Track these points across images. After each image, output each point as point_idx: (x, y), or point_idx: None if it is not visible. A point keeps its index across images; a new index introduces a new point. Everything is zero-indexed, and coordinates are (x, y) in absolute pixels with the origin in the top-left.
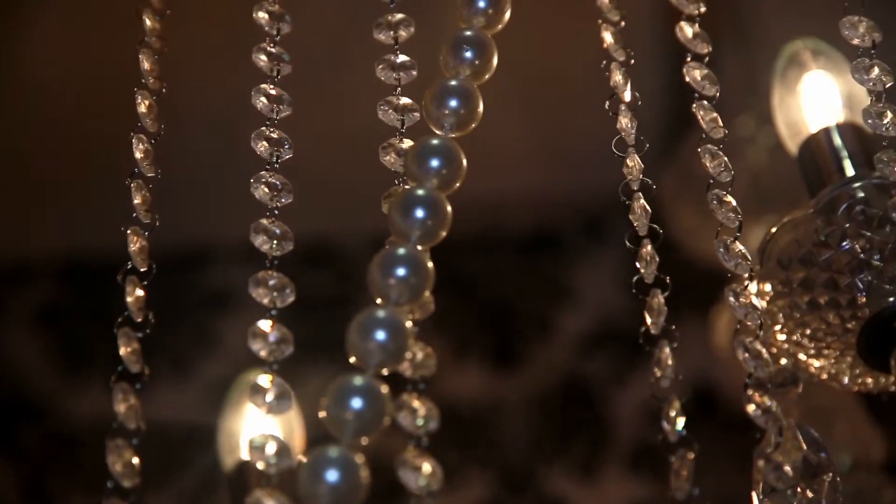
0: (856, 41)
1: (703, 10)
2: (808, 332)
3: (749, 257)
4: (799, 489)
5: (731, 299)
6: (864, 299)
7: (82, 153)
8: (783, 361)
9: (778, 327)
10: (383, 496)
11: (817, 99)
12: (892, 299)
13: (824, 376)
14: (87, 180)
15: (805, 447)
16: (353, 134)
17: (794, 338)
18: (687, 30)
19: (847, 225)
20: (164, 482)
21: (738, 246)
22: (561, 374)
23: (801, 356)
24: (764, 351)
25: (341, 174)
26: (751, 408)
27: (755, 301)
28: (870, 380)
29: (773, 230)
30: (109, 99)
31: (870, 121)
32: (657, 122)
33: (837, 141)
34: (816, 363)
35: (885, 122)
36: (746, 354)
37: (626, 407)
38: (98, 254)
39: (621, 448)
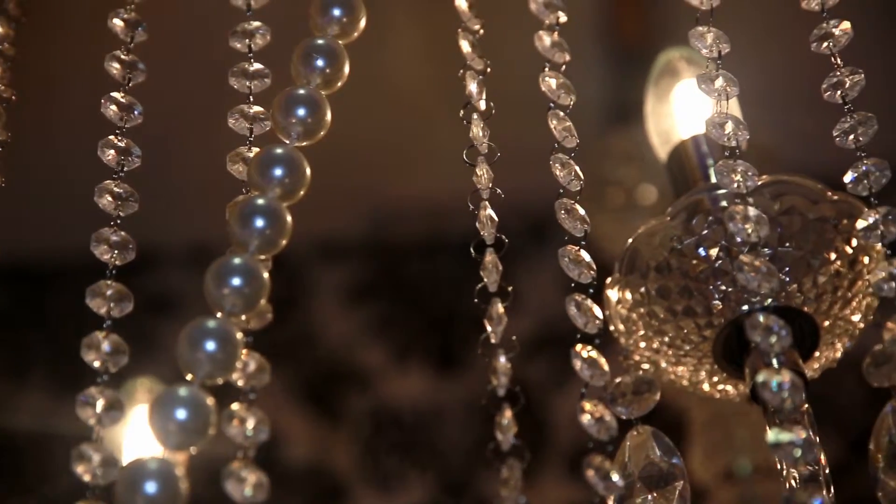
0: (704, 51)
1: (563, 19)
2: (666, 339)
3: (593, 266)
4: (650, 496)
5: (572, 308)
6: (719, 307)
7: None
8: (646, 368)
9: (640, 334)
10: None
11: (689, 107)
12: (746, 307)
13: (685, 383)
14: None
15: (657, 454)
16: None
17: (654, 345)
18: (545, 39)
19: (703, 232)
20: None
21: (583, 255)
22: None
23: (663, 363)
24: (602, 360)
25: None
26: (584, 417)
27: (596, 310)
28: (729, 387)
29: (631, 239)
30: None
31: (713, 130)
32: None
33: (705, 149)
34: (677, 370)
35: (726, 132)
36: (581, 363)
37: (565, 411)
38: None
39: (560, 452)
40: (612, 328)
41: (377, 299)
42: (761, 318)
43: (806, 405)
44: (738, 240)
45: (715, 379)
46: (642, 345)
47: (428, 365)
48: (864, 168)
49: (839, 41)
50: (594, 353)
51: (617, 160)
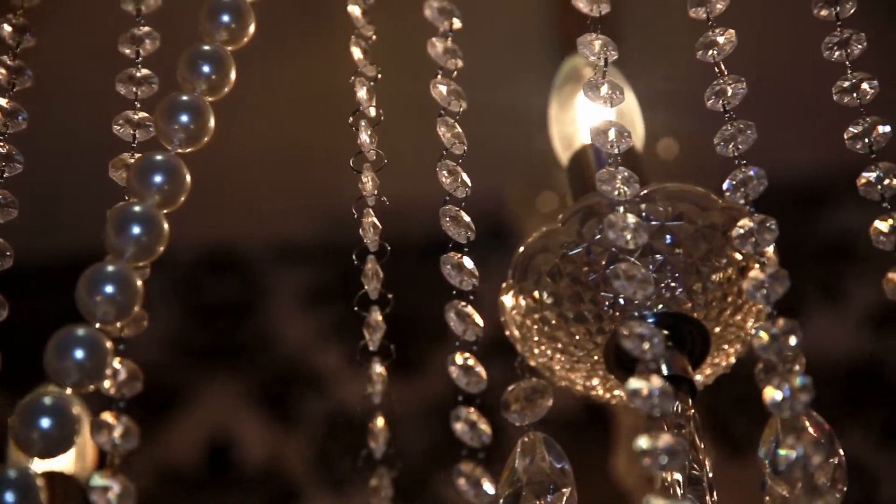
0: (591, 58)
1: (457, 25)
2: (559, 345)
3: (475, 273)
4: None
5: (451, 315)
6: (609, 313)
7: None
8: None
9: (535, 340)
10: None
11: (591, 113)
12: (636, 313)
13: (580, 389)
14: None
15: (547, 461)
16: (256, 144)
17: (548, 351)
18: (438, 45)
19: (594, 238)
20: None
21: (466, 262)
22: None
23: (557, 369)
24: (479, 367)
25: (244, 182)
26: (458, 425)
27: (476, 317)
28: (623, 393)
29: (522, 246)
30: None
31: (597, 137)
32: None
33: (604, 154)
34: (571, 376)
35: (609, 139)
36: (457, 370)
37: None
38: None
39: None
40: (507, 334)
41: (334, 302)
42: (633, 326)
43: (692, 411)
44: (618, 247)
45: (609, 384)
46: (536, 351)
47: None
48: (741, 176)
49: (724, 49)
50: (471, 361)
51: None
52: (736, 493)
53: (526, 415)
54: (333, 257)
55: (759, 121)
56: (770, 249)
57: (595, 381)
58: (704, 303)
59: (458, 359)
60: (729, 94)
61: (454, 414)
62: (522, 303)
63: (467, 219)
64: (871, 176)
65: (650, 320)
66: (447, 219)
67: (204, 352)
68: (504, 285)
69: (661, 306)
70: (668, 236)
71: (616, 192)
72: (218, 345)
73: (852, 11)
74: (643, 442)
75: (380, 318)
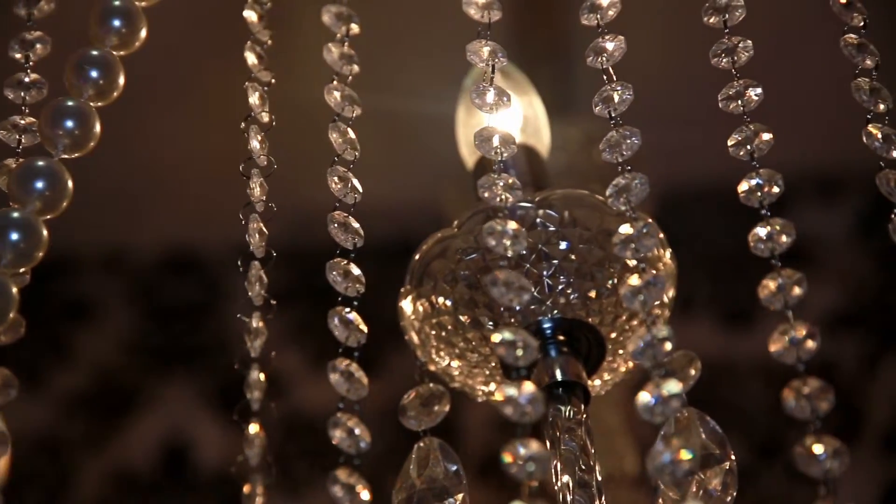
0: (480, 65)
1: (354, 31)
2: (456, 351)
3: (362, 280)
4: None
5: (334, 321)
6: (505, 319)
7: None
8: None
9: (433, 346)
10: None
11: (500, 118)
12: (530, 319)
13: (479, 394)
14: None
15: (441, 467)
16: (216, 146)
17: (446, 357)
18: (334, 51)
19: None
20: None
21: (352, 268)
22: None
23: (456, 375)
24: (360, 374)
25: (204, 184)
26: (337, 433)
27: (360, 324)
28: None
29: (419, 252)
30: None
31: (480, 144)
32: None
33: (509, 161)
34: (469, 382)
35: (493, 146)
36: (337, 376)
37: (476, 417)
38: None
39: (471, 457)
40: (407, 339)
41: (293, 305)
42: (504, 333)
43: (585, 416)
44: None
45: None
46: (436, 357)
47: None
48: (623, 182)
49: (613, 55)
50: (353, 367)
51: None
52: None
53: (423, 420)
54: (293, 260)
55: (715, 122)
56: (667, 254)
57: (493, 387)
58: (600, 308)
59: (340, 365)
60: (616, 100)
61: (332, 421)
62: (420, 308)
63: (356, 225)
64: (752, 183)
65: (546, 325)
66: (335, 225)
67: (162, 354)
68: (402, 290)
69: (555, 312)
70: (563, 242)
71: (497, 199)
72: (176, 347)
73: (741, 18)
74: (507, 450)
75: (261, 324)
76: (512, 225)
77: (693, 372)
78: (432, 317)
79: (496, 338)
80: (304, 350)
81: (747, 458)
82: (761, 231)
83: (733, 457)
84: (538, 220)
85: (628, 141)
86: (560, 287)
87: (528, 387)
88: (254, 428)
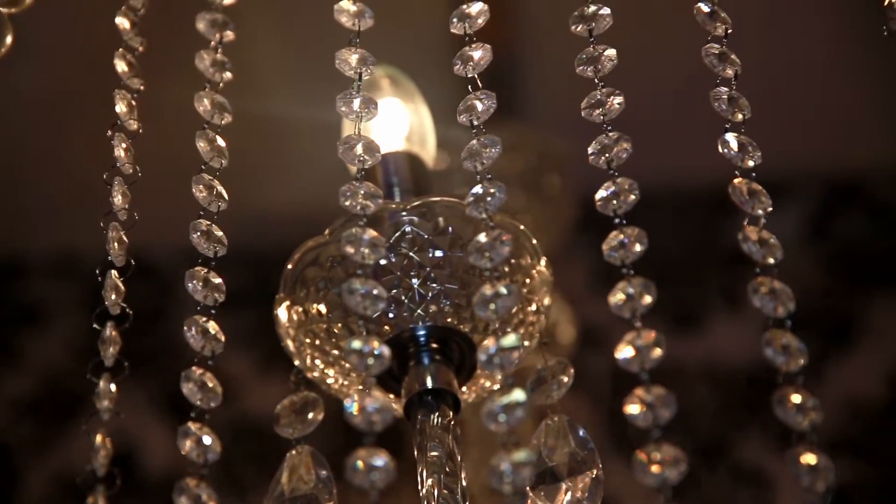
0: (349, 73)
1: (229, 37)
2: (330, 359)
3: (222, 289)
4: None
5: (191, 330)
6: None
7: None
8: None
9: (307, 353)
10: None
11: (386, 125)
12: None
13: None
14: None
15: (311, 475)
16: (167, 149)
17: (321, 365)
18: (206, 58)
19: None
20: None
21: (214, 278)
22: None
23: (331, 382)
24: (215, 382)
25: (153, 188)
26: (186, 443)
27: (218, 335)
28: (397, 406)
29: (290, 262)
30: None
31: (344, 152)
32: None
33: (392, 168)
34: (345, 390)
35: (356, 153)
36: (191, 385)
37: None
38: None
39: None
40: (283, 346)
41: (244, 309)
42: (354, 342)
43: (453, 423)
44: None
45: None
46: (310, 364)
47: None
48: (481, 190)
49: (479, 64)
50: (207, 376)
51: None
52: (635, 496)
53: (296, 428)
54: (244, 263)
55: (666, 128)
56: (542, 263)
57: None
58: (472, 316)
59: (194, 374)
60: (479, 109)
61: (181, 430)
62: (294, 316)
63: (219, 233)
64: (608, 191)
65: (419, 333)
66: (197, 233)
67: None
68: (277, 298)
69: (427, 320)
70: (435, 250)
71: (358, 207)
72: (125, 351)
73: (608, 27)
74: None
75: (115, 333)
76: (370, 233)
77: (566, 379)
78: (306, 324)
79: (346, 346)
80: (254, 354)
81: (691, 460)
82: (615, 239)
83: (601, 465)
84: (410, 227)
85: (488, 150)
86: (431, 295)
87: (378, 397)
88: (99, 438)
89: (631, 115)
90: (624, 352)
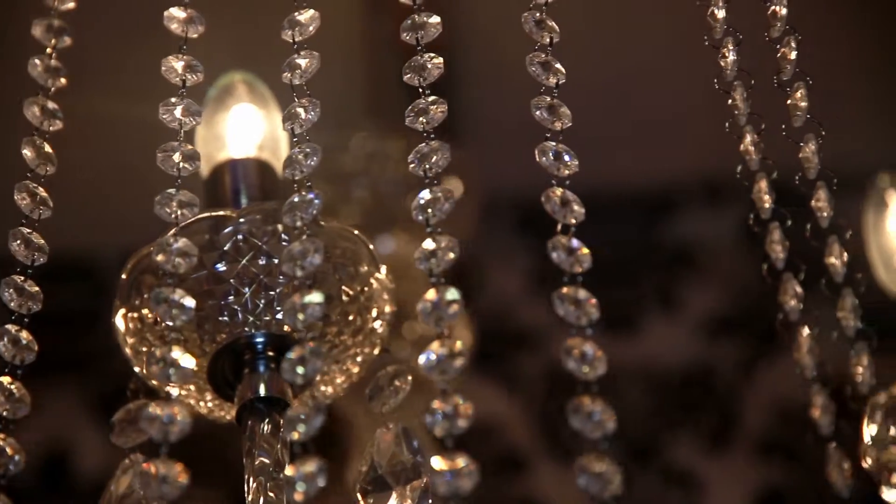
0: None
1: (66, 43)
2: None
3: (39, 298)
4: None
5: (3, 340)
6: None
7: None
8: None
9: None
10: None
11: (239, 130)
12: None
13: (201, 409)
14: None
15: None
16: (110, 153)
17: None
18: (39, 64)
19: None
20: None
21: (31, 287)
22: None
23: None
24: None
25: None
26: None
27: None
28: (221, 412)
29: (125, 270)
30: None
31: (161, 159)
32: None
33: (240, 174)
34: (182, 393)
35: (174, 161)
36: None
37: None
38: None
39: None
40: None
41: None
42: (158, 351)
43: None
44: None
45: (207, 397)
46: (148, 371)
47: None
48: (297, 198)
49: (306, 72)
50: (15, 385)
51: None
52: (567, 498)
53: (130, 438)
54: None
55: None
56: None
57: (208, 396)
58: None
59: (4, 381)
60: (302, 116)
61: None
62: (130, 324)
63: (41, 241)
64: (424, 198)
65: (257, 341)
66: (17, 241)
67: (46, 361)
68: (114, 306)
69: (261, 328)
70: (268, 258)
71: (172, 215)
72: (61, 354)
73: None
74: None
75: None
76: (182, 241)
77: (399, 384)
78: (142, 331)
79: (149, 356)
80: None
81: (623, 462)
82: (428, 246)
83: (426, 479)
84: (242, 235)
85: (309, 159)
86: (265, 303)
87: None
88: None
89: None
90: (423, 359)
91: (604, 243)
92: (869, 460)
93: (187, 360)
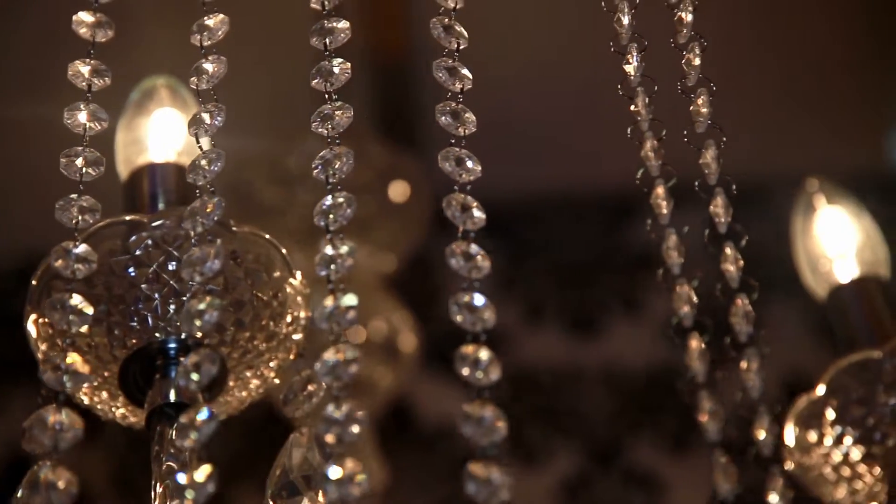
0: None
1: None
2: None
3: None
4: None
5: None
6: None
7: None
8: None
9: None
10: None
11: (159, 134)
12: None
13: (115, 415)
14: None
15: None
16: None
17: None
18: None
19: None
20: None
21: None
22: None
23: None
24: None
25: (64, 192)
26: None
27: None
28: (134, 418)
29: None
30: None
31: (63, 162)
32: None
33: (158, 178)
34: (96, 402)
35: (77, 167)
36: None
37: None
38: None
39: None
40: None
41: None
42: (54, 358)
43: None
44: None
45: (118, 403)
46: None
47: None
48: (198, 203)
49: (213, 76)
50: None
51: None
52: (529, 498)
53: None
54: None
55: (570, 131)
56: (297, 277)
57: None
58: (219, 328)
59: None
60: (207, 121)
61: None
62: (41, 331)
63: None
64: (326, 203)
65: (170, 346)
66: None
67: (9, 363)
68: (25, 312)
69: (172, 333)
70: (176, 263)
71: (73, 221)
72: (26, 356)
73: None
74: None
75: None
76: (82, 247)
77: (312, 389)
78: (54, 337)
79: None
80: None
81: (586, 464)
82: (327, 252)
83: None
84: (152, 240)
85: (212, 168)
86: (175, 308)
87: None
88: None
89: (532, 120)
90: (320, 363)
91: (569, 245)
92: (791, 463)
93: (82, 367)
